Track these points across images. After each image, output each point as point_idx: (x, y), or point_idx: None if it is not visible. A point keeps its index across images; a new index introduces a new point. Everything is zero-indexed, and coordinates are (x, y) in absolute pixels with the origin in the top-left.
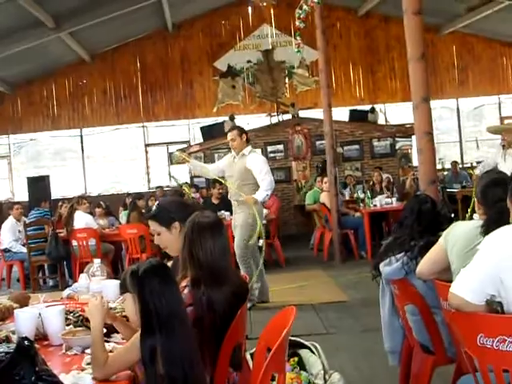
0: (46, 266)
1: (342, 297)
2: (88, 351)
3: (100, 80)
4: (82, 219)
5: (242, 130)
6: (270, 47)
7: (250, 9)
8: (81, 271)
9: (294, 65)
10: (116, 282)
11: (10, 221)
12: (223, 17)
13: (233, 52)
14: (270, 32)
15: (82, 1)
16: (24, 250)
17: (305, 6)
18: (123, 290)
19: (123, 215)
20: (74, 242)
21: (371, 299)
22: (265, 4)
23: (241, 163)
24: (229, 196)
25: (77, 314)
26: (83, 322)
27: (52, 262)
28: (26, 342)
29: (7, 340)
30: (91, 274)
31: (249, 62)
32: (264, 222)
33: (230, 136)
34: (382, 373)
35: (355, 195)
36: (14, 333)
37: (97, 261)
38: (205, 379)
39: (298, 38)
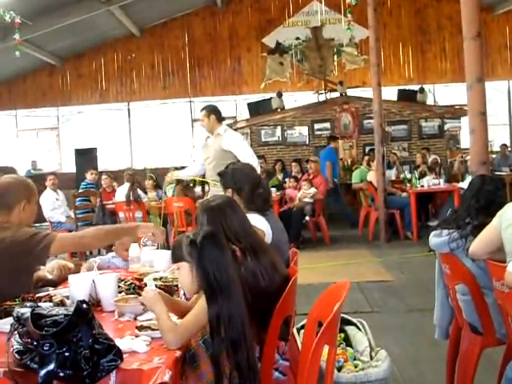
0: None
1: (387, 276)
2: (140, 318)
3: (148, 54)
4: (123, 192)
5: (210, 110)
6: (319, 24)
7: None
8: None
9: (342, 43)
10: (167, 252)
11: (47, 192)
12: None
13: (281, 28)
14: (319, 9)
15: None
16: (63, 219)
17: None
18: (176, 259)
19: (168, 189)
20: (121, 214)
21: (416, 280)
22: None
23: (216, 143)
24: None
25: (128, 282)
26: (135, 290)
27: None
28: (84, 306)
29: (62, 304)
30: (142, 243)
31: (297, 38)
32: (311, 200)
33: (200, 116)
34: (426, 353)
35: (402, 175)
36: (67, 298)
37: None
38: (254, 345)
39: (348, 15)
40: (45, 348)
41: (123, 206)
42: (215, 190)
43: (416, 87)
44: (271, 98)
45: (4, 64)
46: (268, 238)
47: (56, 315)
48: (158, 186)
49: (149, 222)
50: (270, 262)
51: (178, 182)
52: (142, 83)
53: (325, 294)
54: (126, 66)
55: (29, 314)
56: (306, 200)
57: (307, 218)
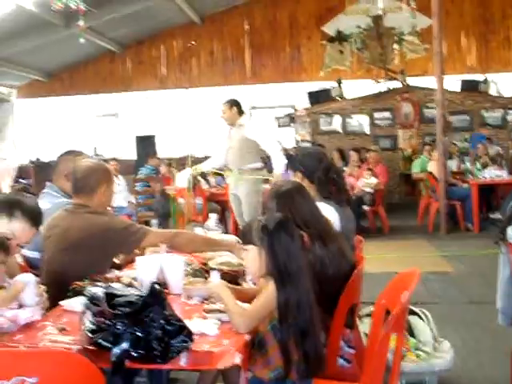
0: (152, 222)
1: (447, 267)
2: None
3: (208, 42)
4: (183, 178)
5: (232, 103)
6: (380, 13)
7: None
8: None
9: (404, 31)
10: (231, 236)
11: None
12: None
13: (341, 17)
14: None
15: None
16: (124, 204)
17: None
18: (246, 242)
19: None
20: (181, 200)
21: (476, 271)
22: None
23: (239, 133)
24: (226, 164)
25: (195, 266)
26: (202, 274)
27: (159, 218)
28: (157, 287)
29: (130, 286)
30: (207, 227)
31: (358, 27)
32: (371, 190)
33: (221, 108)
34: (486, 344)
35: (462, 166)
36: (135, 279)
37: (213, 215)
38: (321, 333)
39: (412, 2)
40: (118, 327)
41: (184, 191)
42: (240, 178)
43: (479, 77)
44: (332, 87)
45: (66, 50)
46: (336, 227)
47: (129, 295)
48: (218, 172)
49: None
50: (338, 250)
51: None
52: (202, 70)
53: (393, 281)
54: (186, 53)
55: (103, 294)
56: (366, 189)
57: (365, 207)
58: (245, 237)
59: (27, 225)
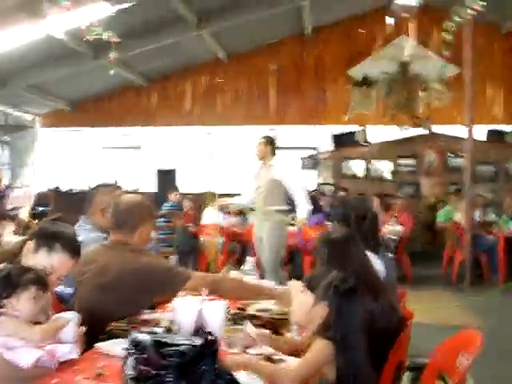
0: (171, 258)
1: (473, 321)
2: (250, 351)
3: (233, 80)
4: (210, 216)
5: (269, 140)
6: (408, 59)
7: (389, 18)
8: (206, 266)
9: (430, 79)
10: (270, 283)
11: None
12: (361, 24)
13: (368, 61)
14: (407, 43)
15: (225, 1)
16: None
17: (457, 18)
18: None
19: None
20: (202, 238)
21: (503, 326)
22: (407, 15)
23: (268, 173)
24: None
25: (232, 312)
26: (240, 320)
27: (179, 254)
28: (211, 337)
29: (169, 330)
30: (244, 272)
31: (384, 72)
32: (395, 237)
33: (258, 141)
34: None
35: (488, 217)
36: (172, 322)
37: (250, 259)
38: None
39: (445, 51)
40: (167, 379)
41: (205, 229)
42: (264, 219)
43: (506, 127)
44: (356, 131)
45: (93, 81)
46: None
47: (181, 344)
48: (240, 211)
49: (230, 249)
50: (388, 303)
51: None
52: (226, 108)
53: (447, 343)
54: (211, 90)
55: (152, 342)
56: (390, 237)
57: (390, 255)
58: (310, 282)
59: (67, 256)
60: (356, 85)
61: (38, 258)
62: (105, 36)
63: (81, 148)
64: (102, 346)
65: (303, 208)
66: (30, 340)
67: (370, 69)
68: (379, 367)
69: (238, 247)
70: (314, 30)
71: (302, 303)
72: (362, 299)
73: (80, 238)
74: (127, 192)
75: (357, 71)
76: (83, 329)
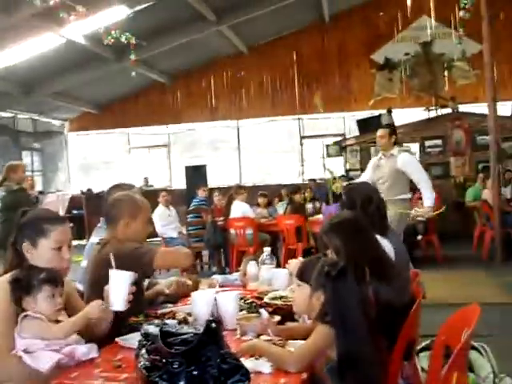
0: (203, 253)
1: (505, 298)
2: (263, 337)
3: (256, 72)
4: (239, 208)
5: (393, 131)
6: (429, 39)
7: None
8: (238, 259)
9: (453, 57)
10: (285, 271)
11: (159, 208)
12: (381, 8)
13: (390, 44)
14: (428, 23)
15: None
16: (175, 234)
17: None
18: (301, 279)
19: (279, 206)
20: (232, 231)
21: None
22: None
23: (390, 164)
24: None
25: (248, 301)
26: (256, 308)
27: (210, 249)
28: (213, 325)
29: (185, 321)
30: (261, 262)
31: (406, 54)
32: (423, 219)
33: (380, 132)
34: None
35: None
36: (189, 315)
37: (267, 249)
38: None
39: (460, 29)
40: (174, 366)
41: (235, 222)
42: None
43: None
44: (380, 114)
45: (117, 83)
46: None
47: (185, 334)
48: (269, 203)
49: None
50: (398, 285)
51: (290, 202)
52: (251, 101)
53: (453, 318)
54: (235, 84)
55: (158, 332)
56: (419, 218)
57: (419, 236)
58: (303, 273)
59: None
60: (379, 69)
61: (38, 253)
62: (123, 38)
63: (110, 149)
64: (122, 339)
65: (428, 197)
66: (54, 339)
67: (393, 52)
68: (390, 346)
69: (269, 238)
70: (332, 17)
71: (299, 297)
72: (356, 280)
73: (95, 239)
74: (141, 191)
75: (379, 55)
76: (134, 288)
